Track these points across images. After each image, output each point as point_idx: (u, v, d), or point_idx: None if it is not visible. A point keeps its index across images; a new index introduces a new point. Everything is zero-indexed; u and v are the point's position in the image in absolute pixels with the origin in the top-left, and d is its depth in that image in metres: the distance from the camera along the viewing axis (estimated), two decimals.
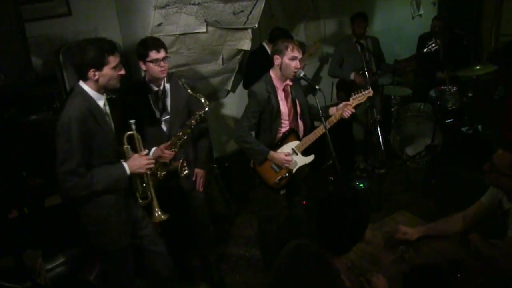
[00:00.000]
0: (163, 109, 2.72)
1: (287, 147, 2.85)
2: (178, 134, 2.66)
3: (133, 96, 2.70)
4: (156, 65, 2.57)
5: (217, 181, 3.98)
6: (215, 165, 4.02)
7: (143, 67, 2.63)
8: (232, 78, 4.09)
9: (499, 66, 4.38)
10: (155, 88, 2.68)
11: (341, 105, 2.85)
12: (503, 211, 2.12)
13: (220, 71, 3.84)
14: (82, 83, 2.15)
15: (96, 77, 2.11)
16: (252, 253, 3.45)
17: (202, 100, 2.59)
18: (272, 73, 2.77)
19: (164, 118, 2.73)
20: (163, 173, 2.73)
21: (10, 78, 2.26)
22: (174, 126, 2.73)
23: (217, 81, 3.96)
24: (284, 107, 2.79)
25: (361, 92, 2.89)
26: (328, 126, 2.72)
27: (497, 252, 2.02)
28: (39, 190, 3.09)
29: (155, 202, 2.49)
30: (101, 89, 2.18)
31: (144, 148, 2.42)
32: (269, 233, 3.14)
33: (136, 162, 2.28)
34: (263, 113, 2.77)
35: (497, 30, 5.87)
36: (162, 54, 2.58)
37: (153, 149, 2.67)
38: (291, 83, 2.80)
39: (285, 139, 2.86)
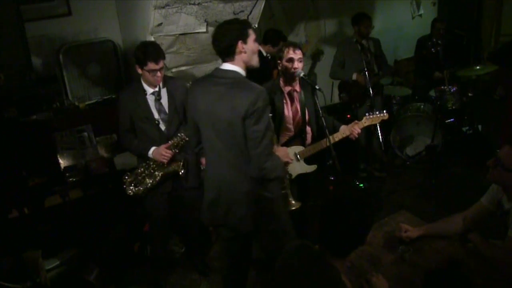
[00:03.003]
0: (160, 109, 2.72)
1: (290, 151, 2.82)
2: (180, 135, 2.68)
3: (131, 96, 2.71)
4: (152, 75, 2.59)
5: None
6: None
7: (139, 71, 2.63)
8: None
9: (500, 66, 4.38)
10: (151, 90, 2.70)
11: (351, 124, 2.85)
12: (503, 211, 2.11)
13: None
14: (230, 66, 2.17)
15: (244, 50, 2.12)
16: (253, 253, 3.44)
17: None
18: (281, 76, 2.79)
19: (162, 118, 2.73)
20: (160, 173, 2.72)
21: (10, 78, 2.26)
22: (172, 126, 2.74)
23: None
24: (288, 111, 2.78)
25: (376, 114, 2.90)
26: (332, 141, 2.72)
27: (497, 252, 2.02)
28: (39, 190, 3.10)
29: (289, 191, 2.50)
30: (246, 68, 2.19)
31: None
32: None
33: None
34: None
35: (497, 30, 5.87)
36: (160, 65, 2.58)
37: (153, 148, 2.69)
38: (298, 89, 2.79)
39: (289, 142, 2.83)
